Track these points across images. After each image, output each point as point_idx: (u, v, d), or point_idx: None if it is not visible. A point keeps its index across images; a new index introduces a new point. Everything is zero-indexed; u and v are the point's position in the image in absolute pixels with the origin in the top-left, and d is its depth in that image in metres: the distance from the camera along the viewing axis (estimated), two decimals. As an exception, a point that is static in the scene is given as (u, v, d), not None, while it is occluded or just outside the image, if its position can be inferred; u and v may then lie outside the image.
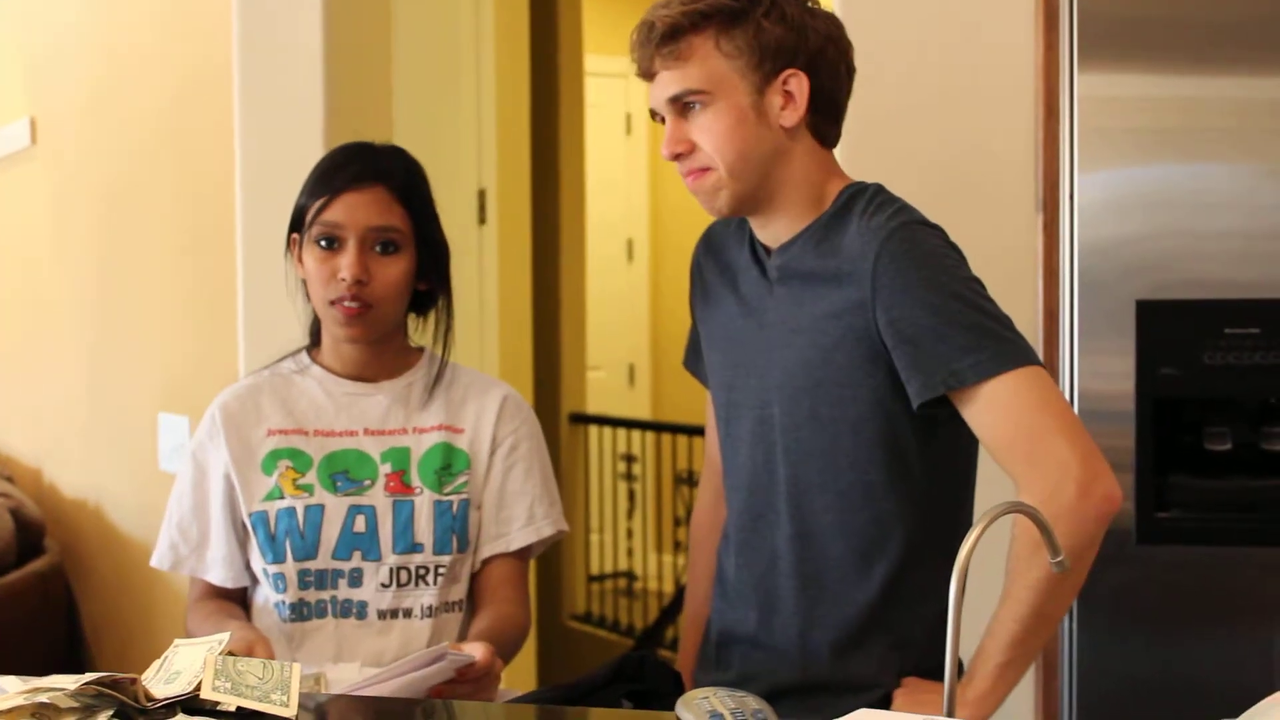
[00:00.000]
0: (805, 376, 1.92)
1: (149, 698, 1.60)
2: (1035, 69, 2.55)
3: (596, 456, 5.93)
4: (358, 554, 2.13)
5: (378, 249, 2.11)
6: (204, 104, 3.41)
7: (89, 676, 1.57)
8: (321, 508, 2.13)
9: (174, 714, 1.59)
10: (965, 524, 1.97)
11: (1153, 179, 2.51)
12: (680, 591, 5.67)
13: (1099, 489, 1.75)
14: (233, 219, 3.17)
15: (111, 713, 1.56)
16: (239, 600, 2.20)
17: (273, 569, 2.12)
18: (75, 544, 4.12)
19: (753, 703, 1.59)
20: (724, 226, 2.09)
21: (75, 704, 1.55)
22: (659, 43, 1.89)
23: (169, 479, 2.31)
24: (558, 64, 5.41)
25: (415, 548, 2.14)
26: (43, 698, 1.54)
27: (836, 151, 2.02)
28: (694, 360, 2.20)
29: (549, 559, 5.40)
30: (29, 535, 3.87)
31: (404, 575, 2.14)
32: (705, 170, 1.92)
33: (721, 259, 2.09)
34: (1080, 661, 2.51)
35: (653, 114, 1.97)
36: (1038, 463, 1.77)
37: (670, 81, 1.91)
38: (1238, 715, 1.38)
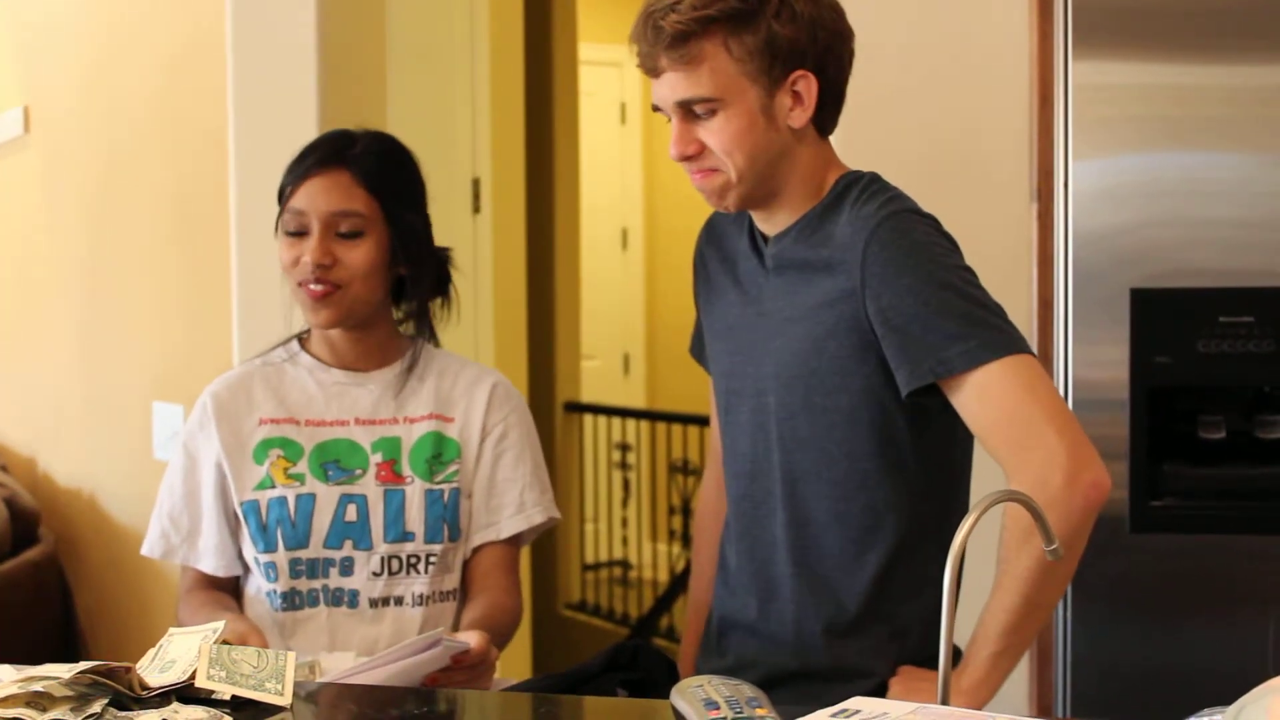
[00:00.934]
0: (799, 365, 1.92)
1: (144, 686, 1.60)
2: (1030, 57, 2.55)
3: (591, 445, 5.94)
4: (349, 543, 2.13)
5: (340, 233, 2.11)
6: (196, 90, 3.40)
7: (83, 665, 1.57)
8: (313, 497, 2.13)
9: (169, 702, 1.59)
10: (960, 514, 1.97)
11: (1147, 167, 2.51)
12: (675, 580, 5.68)
13: (1086, 477, 1.74)
14: (226, 206, 3.16)
15: (106, 701, 1.55)
16: (230, 590, 2.20)
17: (264, 558, 2.12)
18: (70, 533, 4.12)
19: (747, 690, 1.59)
20: (725, 216, 2.09)
21: (70, 693, 1.55)
22: (667, 45, 1.86)
23: (163, 467, 2.31)
24: (552, 52, 5.41)
25: (406, 536, 2.14)
26: (37, 686, 1.54)
27: (832, 138, 2.01)
28: (699, 348, 2.20)
29: (544, 548, 5.41)
30: (23, 524, 3.87)
31: (395, 564, 2.14)
32: (714, 171, 1.92)
33: (723, 248, 2.09)
34: (1074, 649, 2.51)
35: (655, 108, 1.96)
36: (1025, 451, 1.76)
37: (678, 85, 1.88)
38: (1231, 703, 1.38)
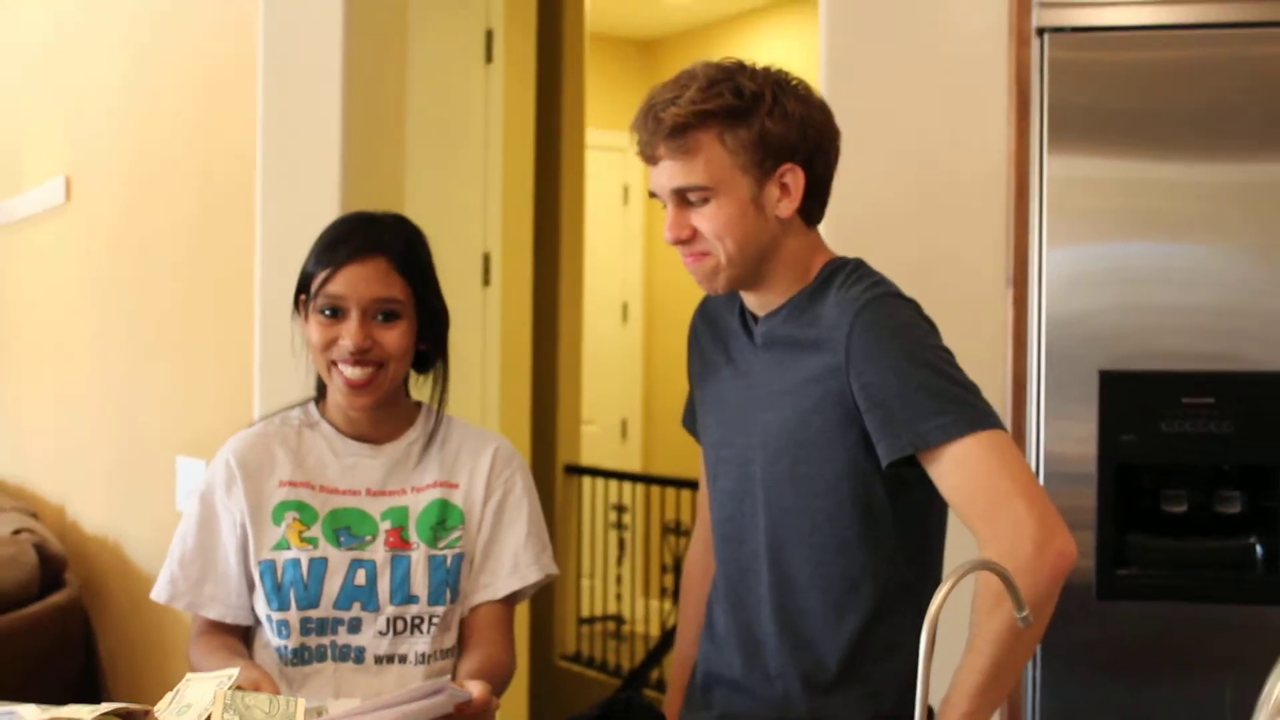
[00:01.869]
0: (785, 436, 1.93)
1: (161, 728, 1.59)
2: (1008, 153, 2.57)
3: (589, 506, 5.92)
4: (357, 604, 2.12)
5: (379, 318, 2.11)
6: (227, 164, 3.42)
7: (105, 707, 1.56)
8: (325, 560, 2.12)
9: (185, 745, 1.58)
10: (934, 580, 1.97)
11: (1116, 256, 2.53)
12: (665, 635, 5.65)
13: (1054, 547, 1.74)
14: (252, 276, 3.17)
15: (125, 742, 1.54)
16: (240, 636, 2.18)
17: (277, 615, 2.10)
18: (94, 579, 4.10)
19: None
20: (717, 296, 2.10)
21: (91, 733, 1.54)
22: (666, 135, 1.88)
23: (184, 519, 2.30)
24: (560, 137, 5.44)
25: (411, 599, 2.13)
26: (61, 727, 1.53)
27: (821, 227, 2.02)
28: (690, 420, 2.21)
29: (542, 601, 5.38)
30: (51, 569, 3.85)
31: (400, 624, 2.12)
32: (705, 254, 1.93)
33: (716, 325, 2.11)
34: (1044, 710, 2.50)
35: (652, 194, 1.97)
36: (997, 521, 1.76)
37: (674, 173, 1.90)
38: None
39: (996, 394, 2.51)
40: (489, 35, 4.66)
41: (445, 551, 2.16)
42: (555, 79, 5.39)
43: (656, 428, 7.75)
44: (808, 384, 1.90)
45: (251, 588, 2.15)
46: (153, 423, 3.83)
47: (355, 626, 2.11)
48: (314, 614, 2.10)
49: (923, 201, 2.65)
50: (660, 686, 5.48)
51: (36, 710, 1.66)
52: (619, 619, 6.33)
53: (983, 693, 1.77)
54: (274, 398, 2.36)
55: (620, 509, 6.17)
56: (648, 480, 6.23)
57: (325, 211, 2.25)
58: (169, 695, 1.68)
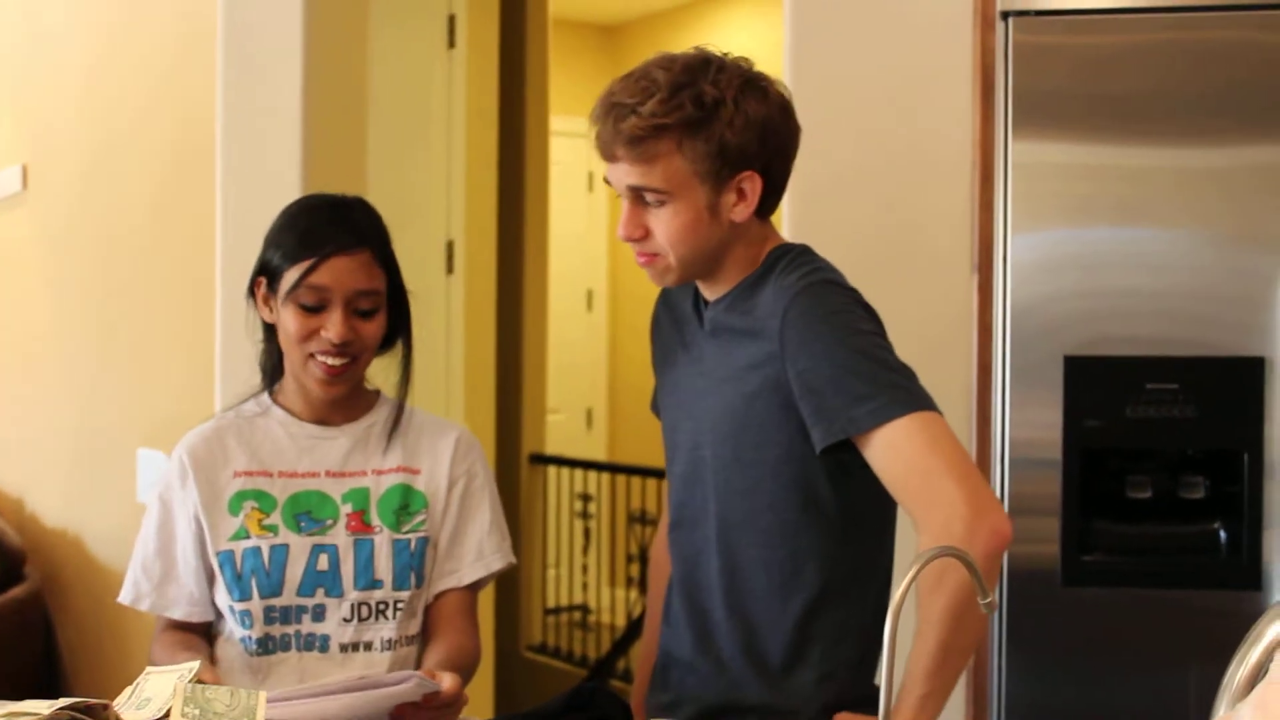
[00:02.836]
0: (730, 422, 1.95)
1: (120, 722, 1.58)
2: (973, 139, 2.58)
3: (554, 495, 5.92)
4: (321, 590, 2.11)
5: (359, 310, 2.10)
6: (188, 156, 3.40)
7: (63, 701, 1.55)
8: (286, 547, 2.11)
9: (144, 738, 1.57)
10: (882, 562, 2.00)
11: (1081, 241, 2.54)
12: (631, 625, 5.66)
13: (985, 525, 1.74)
14: (213, 266, 3.16)
15: (84, 736, 1.53)
16: (202, 633, 2.17)
17: (239, 606, 2.10)
18: (54, 572, 4.08)
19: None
20: None
21: (49, 728, 1.53)
22: (624, 143, 1.88)
23: (145, 511, 2.29)
24: (524, 123, 5.43)
25: (375, 584, 2.13)
26: (18, 721, 1.52)
27: (783, 214, 2.03)
28: (657, 406, 2.22)
29: (508, 592, 5.38)
30: (9, 562, 3.82)
31: (365, 610, 2.12)
32: (656, 255, 1.95)
33: (674, 311, 2.12)
34: (1009, 697, 2.51)
35: (606, 181, 1.97)
36: (928, 502, 1.77)
37: (631, 175, 1.90)
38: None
39: (961, 380, 2.53)
40: (451, 20, 4.64)
41: (409, 535, 2.16)
42: (518, 64, 5.38)
43: (622, 416, 7.76)
44: (748, 370, 1.92)
45: (212, 581, 2.14)
46: (113, 414, 3.81)
47: (319, 614, 2.11)
48: (277, 602, 2.10)
49: (886, 186, 2.65)
50: (627, 676, 5.49)
51: (-7, 705, 1.65)
52: (585, 609, 6.34)
53: (935, 675, 1.78)
54: (236, 386, 2.34)
55: (586, 498, 6.18)
56: (613, 469, 6.24)
57: (286, 198, 2.23)
58: (128, 689, 1.67)
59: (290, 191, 2.98)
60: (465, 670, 2.09)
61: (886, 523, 2.01)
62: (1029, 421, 2.52)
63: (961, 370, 2.52)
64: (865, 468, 1.85)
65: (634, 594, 6.18)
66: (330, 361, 2.10)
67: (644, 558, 5.95)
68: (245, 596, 2.10)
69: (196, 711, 1.59)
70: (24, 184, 4.34)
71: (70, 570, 4.03)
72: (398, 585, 2.13)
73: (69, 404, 4.06)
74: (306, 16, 3.08)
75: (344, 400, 2.19)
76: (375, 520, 2.15)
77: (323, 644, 2.11)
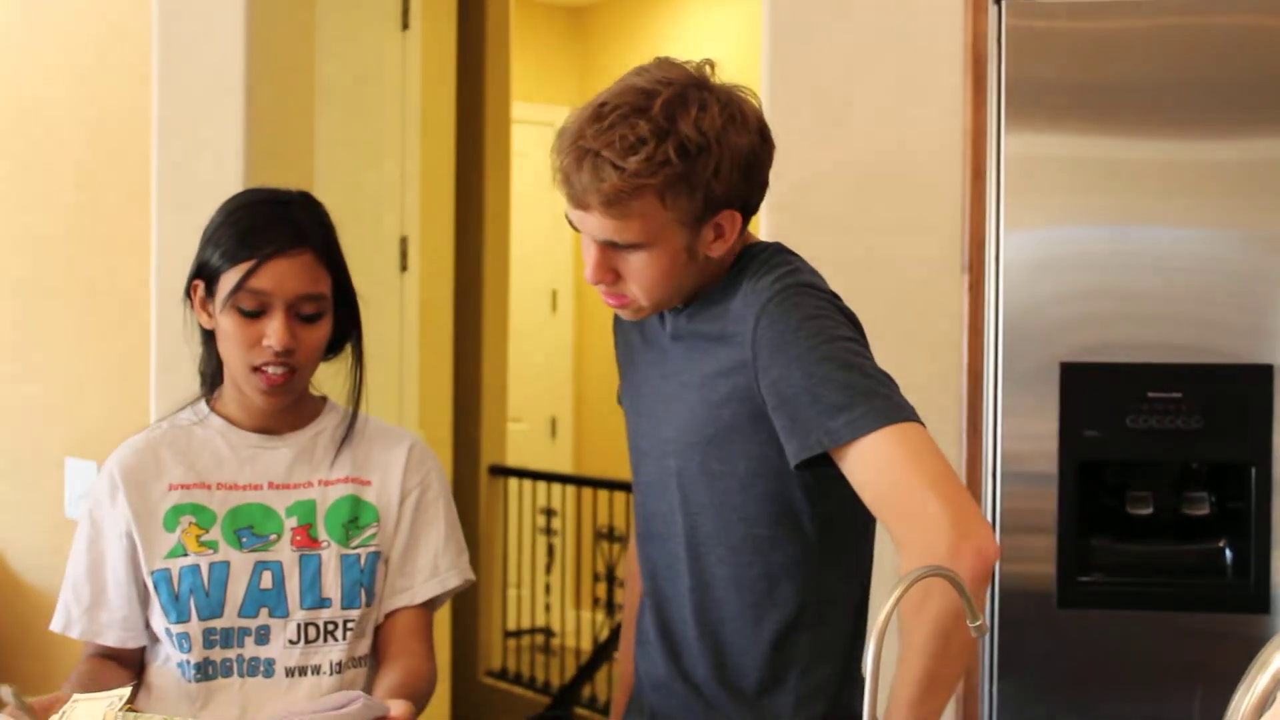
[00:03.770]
0: (696, 432, 1.95)
1: (46, 755, 1.57)
2: (963, 130, 2.58)
3: (516, 510, 5.91)
4: (264, 611, 2.10)
5: (303, 315, 2.09)
6: (122, 144, 3.38)
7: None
8: (226, 565, 2.10)
9: (71, 772, 1.56)
10: (861, 580, 2.00)
11: (1078, 240, 2.54)
12: (598, 649, 5.65)
13: (970, 545, 1.73)
14: (147, 265, 3.14)
15: (6, 770, 1.52)
16: (133, 661, 2.16)
17: (176, 629, 2.08)
18: (-25, 592, 4.05)
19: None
20: None
21: (-32, 761, 1.52)
22: (602, 202, 1.84)
23: (74, 525, 2.27)
24: (484, 111, 5.42)
25: (323, 603, 2.11)
26: (-66, 754, 1.51)
27: (763, 215, 2.02)
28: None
29: (465, 613, 5.37)
30: (-73, 582, 3.79)
31: (312, 631, 2.11)
32: (626, 298, 1.93)
33: (637, 313, 2.11)
34: (1000, 725, 2.52)
35: (569, 220, 1.92)
36: (910, 520, 1.76)
37: (605, 230, 1.87)
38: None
39: (951, 388, 2.53)
40: (405, 0, 4.64)
41: (359, 550, 2.14)
42: (478, 48, 5.37)
43: (588, 426, 7.76)
44: (716, 377, 1.92)
45: (146, 603, 2.13)
46: (38, 421, 3.78)
47: (263, 636, 2.10)
48: (218, 624, 2.08)
49: (872, 182, 2.66)
50: (593, 704, 5.48)
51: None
52: (548, 632, 6.33)
53: (919, 703, 1.78)
54: (172, 393, 2.33)
55: (549, 513, 6.17)
56: (579, 482, 6.24)
57: (227, 191, 2.22)
58: (55, 717, 1.66)
59: (231, 184, 2.98)
60: (419, 696, 2.08)
61: (865, 539, 2.01)
62: (1023, 433, 2.52)
63: (950, 378, 2.53)
64: (843, 481, 1.85)
65: (600, 616, 6.18)
66: (271, 370, 2.09)
67: (611, 577, 5.95)
68: (183, 618, 2.08)
69: (128, 743, 1.58)
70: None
71: (-8, 590, 4.01)
72: (347, 604, 2.12)
73: (-8, 411, 4.04)
74: (250, -8, 3.07)
75: (288, 408, 2.18)
76: (322, 534, 2.14)
77: (267, 669, 2.10)
